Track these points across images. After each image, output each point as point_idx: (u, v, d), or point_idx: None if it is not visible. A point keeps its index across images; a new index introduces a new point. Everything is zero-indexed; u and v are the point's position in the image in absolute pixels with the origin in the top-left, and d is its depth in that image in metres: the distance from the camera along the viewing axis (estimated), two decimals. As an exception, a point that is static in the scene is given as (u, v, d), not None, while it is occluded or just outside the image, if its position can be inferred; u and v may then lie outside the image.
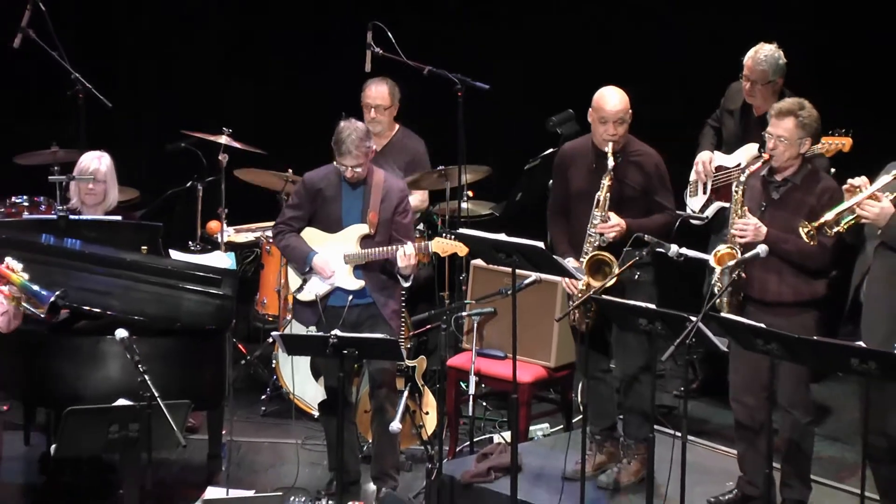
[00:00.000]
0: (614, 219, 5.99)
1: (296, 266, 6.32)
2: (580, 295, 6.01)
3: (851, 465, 6.49)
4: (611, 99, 6.03)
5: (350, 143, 6.12)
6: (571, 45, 8.28)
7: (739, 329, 5.26)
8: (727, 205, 6.18)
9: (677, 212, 6.34)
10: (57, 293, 5.43)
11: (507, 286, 6.11)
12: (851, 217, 5.38)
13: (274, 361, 7.29)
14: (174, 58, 8.94)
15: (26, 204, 7.29)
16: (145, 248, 6.32)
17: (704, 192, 7.01)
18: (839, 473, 6.44)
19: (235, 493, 6.10)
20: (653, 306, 5.45)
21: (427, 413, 6.82)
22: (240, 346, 7.66)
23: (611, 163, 5.97)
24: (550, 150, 7.17)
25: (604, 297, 5.74)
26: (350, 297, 6.22)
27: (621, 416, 6.29)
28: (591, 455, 6.19)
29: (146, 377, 5.20)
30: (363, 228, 6.24)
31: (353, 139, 6.12)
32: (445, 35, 8.39)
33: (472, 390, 6.39)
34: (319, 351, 5.83)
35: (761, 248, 5.58)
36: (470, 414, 6.61)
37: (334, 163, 6.23)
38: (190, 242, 7.70)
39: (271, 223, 6.62)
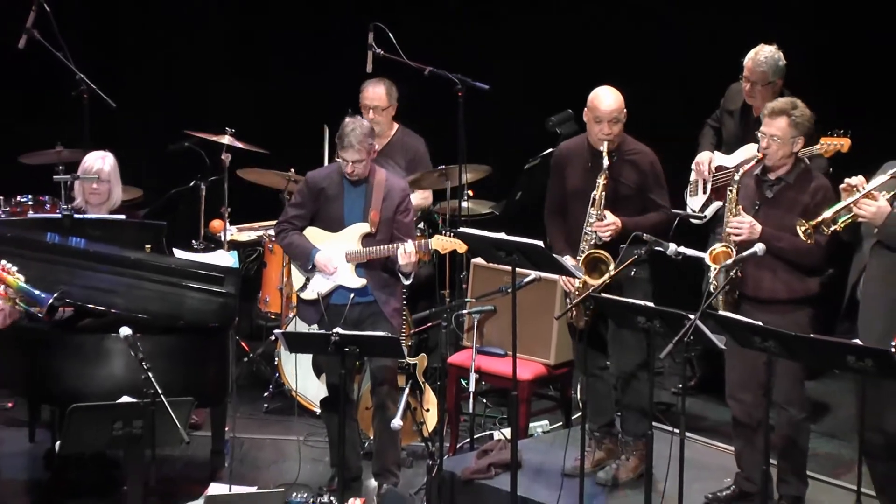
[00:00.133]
0: (610, 217, 6.01)
1: (299, 263, 6.34)
2: (577, 293, 6.05)
3: (848, 461, 6.49)
4: (605, 98, 6.06)
5: (353, 137, 6.15)
6: (571, 45, 8.26)
7: (737, 327, 5.28)
8: (727, 204, 6.22)
9: (673, 210, 6.34)
10: (55, 295, 5.43)
11: (506, 284, 6.12)
12: (848, 216, 5.40)
13: (276, 359, 7.30)
14: (175, 58, 8.93)
15: (31, 203, 7.28)
16: (149, 246, 6.34)
17: (704, 192, 7.03)
18: (836, 470, 6.44)
19: (238, 489, 6.10)
20: (651, 304, 5.46)
21: (428, 410, 6.83)
22: (242, 343, 7.68)
23: (606, 162, 6.00)
24: (550, 149, 7.18)
25: (602, 295, 5.76)
26: (352, 296, 6.24)
27: (619, 413, 6.32)
28: (591, 452, 6.21)
29: (150, 374, 5.21)
30: (365, 227, 6.26)
31: (357, 134, 6.15)
32: (446, 35, 8.36)
33: (472, 387, 6.42)
34: (321, 348, 5.86)
35: (759, 247, 5.59)
36: (470, 411, 6.64)
37: (336, 158, 6.26)
38: (193, 241, 7.70)
39: (273, 222, 6.65)
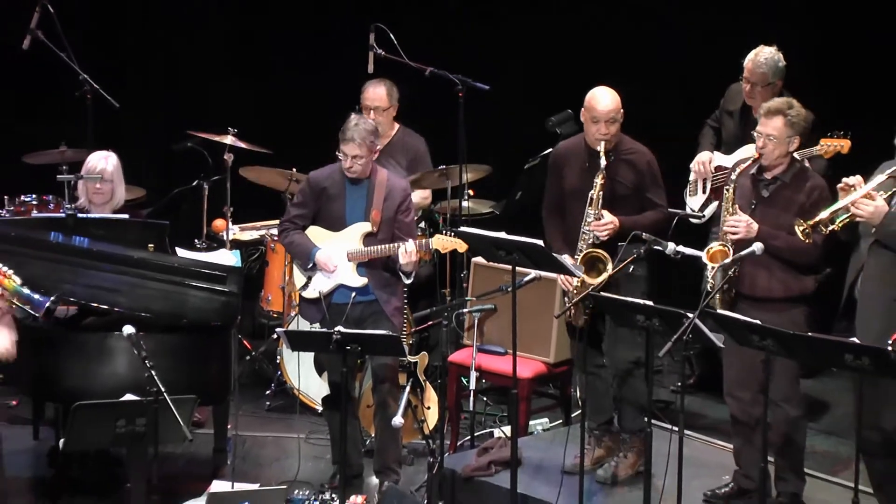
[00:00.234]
0: (607, 217, 6.04)
1: (300, 262, 6.37)
2: (576, 292, 6.08)
3: (845, 458, 6.52)
4: (602, 99, 6.09)
5: (355, 132, 6.16)
6: (571, 45, 8.26)
7: (735, 325, 5.29)
8: (726, 204, 6.23)
9: (671, 210, 6.36)
10: (51, 298, 5.44)
11: (507, 283, 6.11)
12: (846, 215, 5.41)
13: (278, 357, 7.32)
14: (175, 58, 8.93)
15: (35, 203, 7.29)
16: (152, 245, 6.35)
17: (704, 192, 7.05)
18: (833, 467, 6.47)
19: (240, 486, 6.10)
20: (650, 303, 5.48)
21: (429, 408, 6.84)
22: (245, 342, 7.70)
23: (603, 162, 6.02)
24: (549, 149, 7.21)
25: (602, 293, 5.78)
26: (353, 294, 6.25)
27: (616, 410, 6.32)
28: (590, 449, 6.23)
29: (153, 373, 5.23)
30: (366, 226, 6.28)
31: (360, 129, 6.17)
32: (446, 35, 8.37)
33: (472, 385, 6.43)
34: (323, 347, 5.88)
35: (757, 246, 5.60)
36: (471, 409, 6.67)
37: (337, 152, 6.29)
38: (196, 240, 7.72)
39: (276, 221, 6.67)
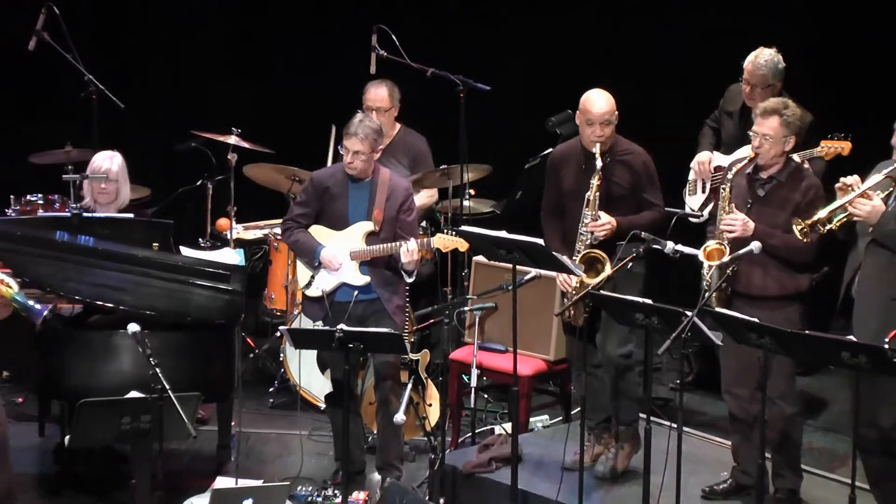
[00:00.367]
0: (604, 217, 6.06)
1: (305, 260, 6.38)
2: (574, 291, 6.12)
3: (842, 455, 6.54)
4: (596, 101, 6.10)
5: (358, 126, 6.17)
6: (571, 45, 8.26)
7: (733, 323, 5.31)
8: (726, 203, 6.26)
9: (669, 209, 6.38)
10: (49, 307, 5.47)
11: (507, 282, 6.13)
12: (843, 215, 5.44)
13: (281, 355, 7.34)
14: (176, 58, 8.93)
15: (41, 202, 7.30)
16: (156, 244, 6.37)
17: (703, 192, 7.06)
18: (831, 464, 6.49)
19: (244, 482, 6.11)
20: (649, 301, 5.49)
21: (430, 405, 6.86)
22: (248, 339, 7.71)
23: (599, 163, 6.04)
24: (549, 150, 7.23)
25: (602, 292, 5.81)
26: (356, 293, 6.27)
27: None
28: (590, 446, 6.23)
29: (157, 370, 5.25)
30: (368, 226, 6.30)
31: (364, 126, 6.18)
32: (446, 36, 8.36)
33: (473, 383, 6.43)
34: (326, 345, 5.88)
35: (754, 245, 5.61)
36: (472, 406, 6.68)
37: (340, 147, 6.32)
38: (200, 239, 7.74)
39: (279, 220, 6.69)
